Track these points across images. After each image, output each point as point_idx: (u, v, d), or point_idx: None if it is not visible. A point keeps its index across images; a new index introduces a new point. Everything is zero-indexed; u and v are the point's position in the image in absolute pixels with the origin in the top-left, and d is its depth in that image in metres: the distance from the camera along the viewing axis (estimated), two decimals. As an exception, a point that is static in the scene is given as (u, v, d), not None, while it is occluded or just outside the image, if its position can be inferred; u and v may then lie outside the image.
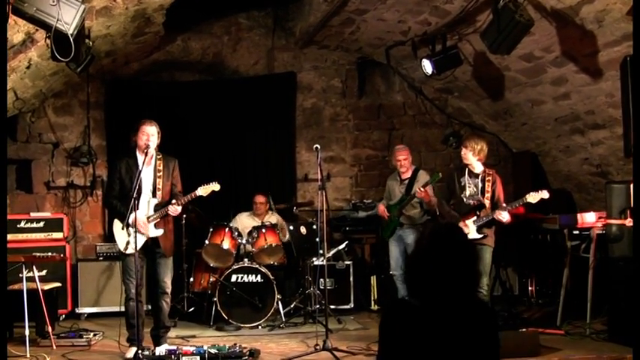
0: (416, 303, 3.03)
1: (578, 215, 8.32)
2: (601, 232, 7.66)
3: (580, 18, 6.89)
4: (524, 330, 7.29)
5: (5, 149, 8.88)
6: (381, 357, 3.06)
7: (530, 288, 9.59)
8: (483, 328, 3.00)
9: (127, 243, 6.90)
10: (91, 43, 7.04)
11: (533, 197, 7.19)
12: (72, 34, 5.50)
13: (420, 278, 3.05)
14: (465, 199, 7.51)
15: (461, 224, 7.29)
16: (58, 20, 5.39)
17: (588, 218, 8.17)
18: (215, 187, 7.19)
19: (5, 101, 7.61)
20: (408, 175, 8.62)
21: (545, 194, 7.17)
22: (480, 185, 7.49)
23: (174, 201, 7.01)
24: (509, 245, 9.13)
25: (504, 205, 7.37)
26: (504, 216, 7.26)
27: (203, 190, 7.14)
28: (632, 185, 7.05)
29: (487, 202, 7.37)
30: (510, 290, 9.45)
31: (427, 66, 8.72)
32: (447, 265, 2.98)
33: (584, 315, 7.78)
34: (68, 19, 5.45)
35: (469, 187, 7.52)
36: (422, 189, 8.09)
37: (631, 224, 7.03)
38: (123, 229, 6.92)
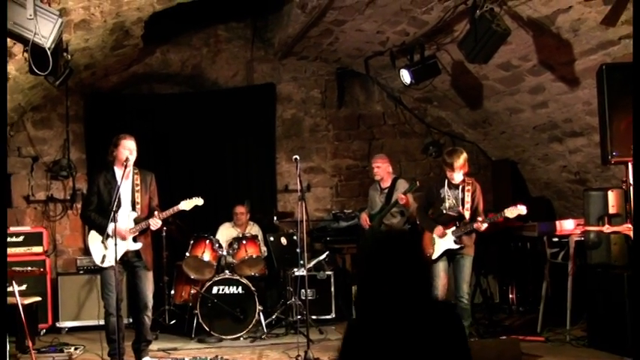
0: (371, 323, 2.94)
1: (557, 222, 8.35)
2: (579, 239, 7.71)
3: (556, 27, 6.96)
4: (504, 337, 7.34)
5: (5, 153, 8.85)
6: None
7: (510, 295, 9.64)
8: (444, 332, 2.86)
9: (104, 256, 6.84)
10: (69, 56, 7.02)
11: (511, 212, 7.21)
12: (49, 48, 5.47)
13: (370, 297, 2.98)
14: (444, 212, 7.49)
15: (440, 233, 7.34)
16: (35, 34, 5.35)
17: (567, 225, 8.21)
18: (198, 201, 7.16)
19: (5, 104, 7.55)
20: (388, 184, 8.65)
21: (523, 210, 7.20)
22: (459, 196, 7.45)
23: (155, 213, 6.97)
24: (490, 253, 9.16)
25: (483, 217, 7.38)
26: (483, 227, 7.28)
27: (186, 205, 7.10)
28: (624, 189, 7.10)
29: (467, 214, 7.36)
30: (491, 298, 9.52)
31: (406, 76, 8.76)
32: (388, 276, 2.88)
33: (564, 321, 7.83)
34: (45, 33, 5.41)
35: (448, 199, 7.48)
36: (403, 195, 8.15)
37: (609, 230, 7.08)
38: (102, 242, 6.87)
